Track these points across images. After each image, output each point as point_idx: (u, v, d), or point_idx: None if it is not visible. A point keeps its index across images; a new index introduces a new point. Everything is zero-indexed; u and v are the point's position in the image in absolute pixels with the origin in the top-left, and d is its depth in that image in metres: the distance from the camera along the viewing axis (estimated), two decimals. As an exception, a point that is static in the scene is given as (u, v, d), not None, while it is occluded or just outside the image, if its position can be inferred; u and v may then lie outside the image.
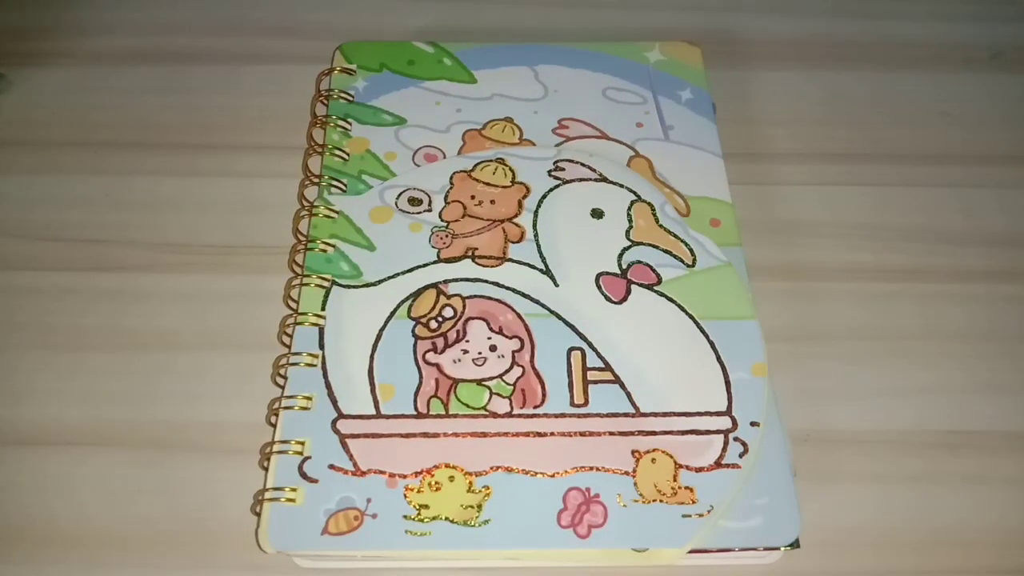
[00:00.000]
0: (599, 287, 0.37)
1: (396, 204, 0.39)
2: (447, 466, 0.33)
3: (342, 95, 0.42)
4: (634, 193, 0.40)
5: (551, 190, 0.40)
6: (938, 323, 0.39)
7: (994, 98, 0.47)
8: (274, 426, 0.34)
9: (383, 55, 0.44)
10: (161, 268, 0.40)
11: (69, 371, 0.38)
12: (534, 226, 0.39)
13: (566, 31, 0.48)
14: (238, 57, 0.46)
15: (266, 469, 0.34)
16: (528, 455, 0.34)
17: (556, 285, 0.37)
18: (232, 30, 0.48)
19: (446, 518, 0.32)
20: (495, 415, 0.34)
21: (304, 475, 0.33)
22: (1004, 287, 0.40)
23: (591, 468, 0.33)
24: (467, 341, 0.36)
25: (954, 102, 0.46)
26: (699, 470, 0.33)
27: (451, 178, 0.40)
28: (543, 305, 0.37)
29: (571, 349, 0.36)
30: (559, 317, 0.37)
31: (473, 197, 0.40)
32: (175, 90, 0.45)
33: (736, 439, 0.34)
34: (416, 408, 0.35)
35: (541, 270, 0.38)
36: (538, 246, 0.38)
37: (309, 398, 0.35)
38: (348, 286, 0.37)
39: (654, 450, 0.33)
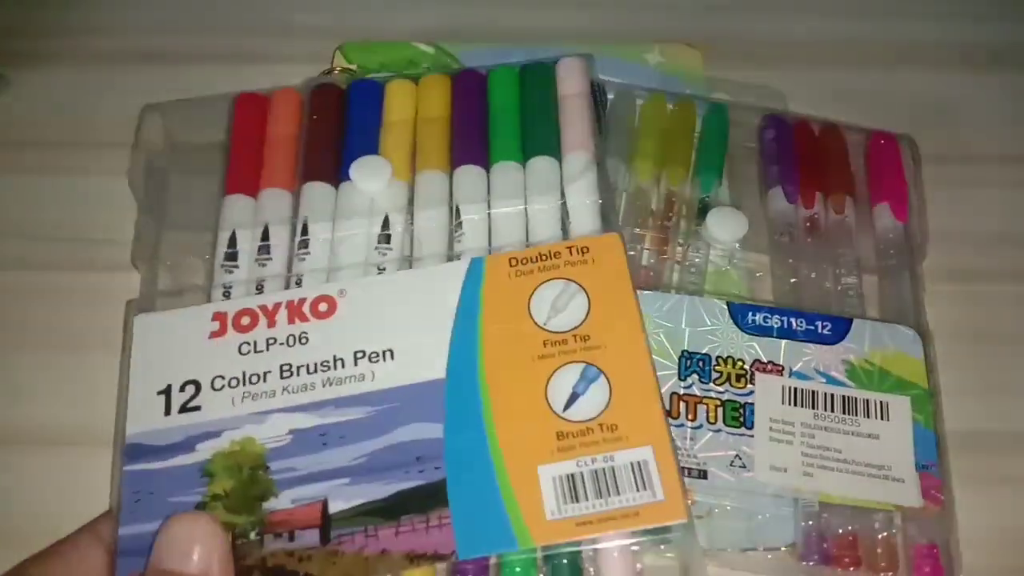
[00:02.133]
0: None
1: (396, 204, 0.39)
2: (447, 466, 0.33)
3: (342, 95, 0.42)
4: (634, 193, 0.40)
5: (551, 190, 0.40)
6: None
7: (994, 98, 0.47)
8: (274, 426, 0.34)
9: (383, 55, 0.44)
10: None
11: (69, 371, 0.38)
12: (534, 226, 0.39)
13: (566, 32, 0.48)
14: (238, 57, 0.46)
15: (266, 469, 0.33)
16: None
17: (556, 285, 0.37)
18: (231, 30, 0.48)
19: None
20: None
21: (304, 475, 0.33)
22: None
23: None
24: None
25: (955, 101, 0.46)
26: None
27: (451, 178, 0.40)
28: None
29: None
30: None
31: (473, 197, 0.40)
32: (175, 90, 0.45)
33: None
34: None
35: (541, 270, 0.38)
36: (538, 246, 0.38)
37: (309, 398, 0.35)
38: (348, 286, 0.37)
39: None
